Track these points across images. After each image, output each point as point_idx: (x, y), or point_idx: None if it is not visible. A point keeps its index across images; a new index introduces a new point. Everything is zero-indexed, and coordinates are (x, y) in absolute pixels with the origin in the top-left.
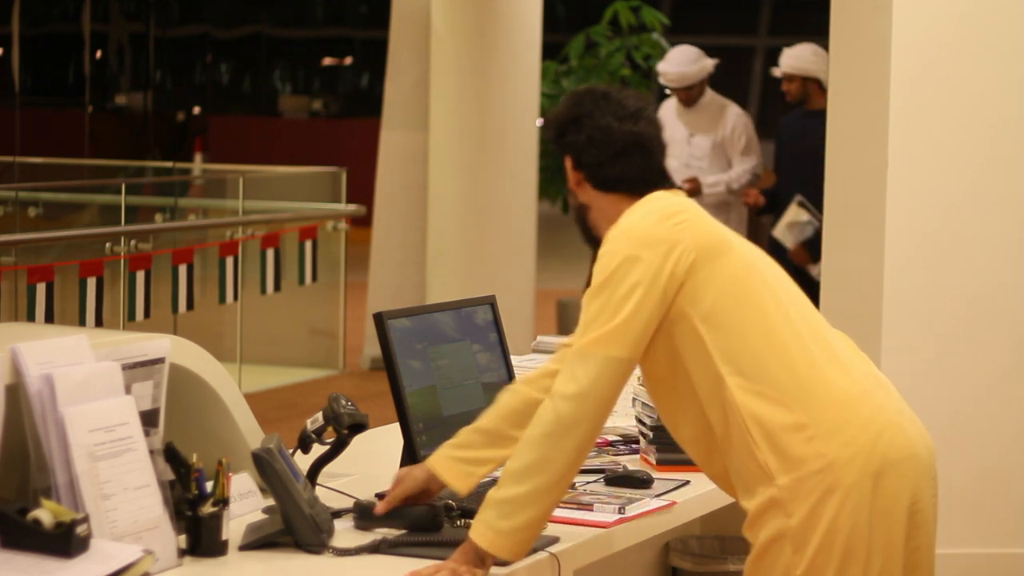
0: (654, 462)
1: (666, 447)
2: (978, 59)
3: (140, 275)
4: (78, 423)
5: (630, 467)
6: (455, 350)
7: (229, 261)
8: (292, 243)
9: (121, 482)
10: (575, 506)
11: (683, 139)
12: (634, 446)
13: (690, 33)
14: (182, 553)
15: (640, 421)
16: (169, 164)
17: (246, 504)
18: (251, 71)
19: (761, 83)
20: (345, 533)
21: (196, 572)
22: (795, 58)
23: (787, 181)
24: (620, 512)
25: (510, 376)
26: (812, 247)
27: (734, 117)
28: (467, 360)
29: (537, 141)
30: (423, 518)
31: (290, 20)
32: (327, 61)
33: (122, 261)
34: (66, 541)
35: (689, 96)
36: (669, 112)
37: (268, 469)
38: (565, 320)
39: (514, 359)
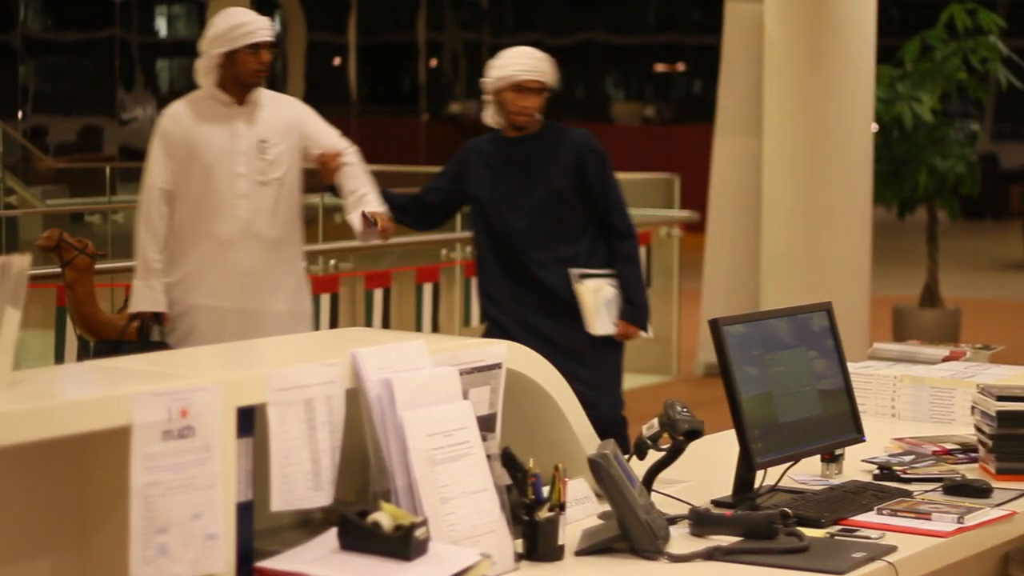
0: (993, 471)
1: (1006, 456)
2: None
3: (475, 281)
4: (417, 427)
5: (968, 476)
6: (791, 356)
7: None
8: None
9: (459, 486)
10: (913, 515)
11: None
12: (973, 455)
13: None
14: (519, 557)
15: (979, 430)
16: None
17: (582, 509)
18: (582, 78)
19: None
20: (680, 539)
21: None
22: (544, 60)
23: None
24: (959, 522)
25: (846, 383)
26: (632, 314)
27: None
28: (803, 367)
29: (872, 146)
30: (759, 526)
31: (620, 26)
32: (659, 68)
33: (457, 267)
34: (405, 544)
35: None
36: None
37: (604, 474)
38: (901, 326)
39: (850, 366)
